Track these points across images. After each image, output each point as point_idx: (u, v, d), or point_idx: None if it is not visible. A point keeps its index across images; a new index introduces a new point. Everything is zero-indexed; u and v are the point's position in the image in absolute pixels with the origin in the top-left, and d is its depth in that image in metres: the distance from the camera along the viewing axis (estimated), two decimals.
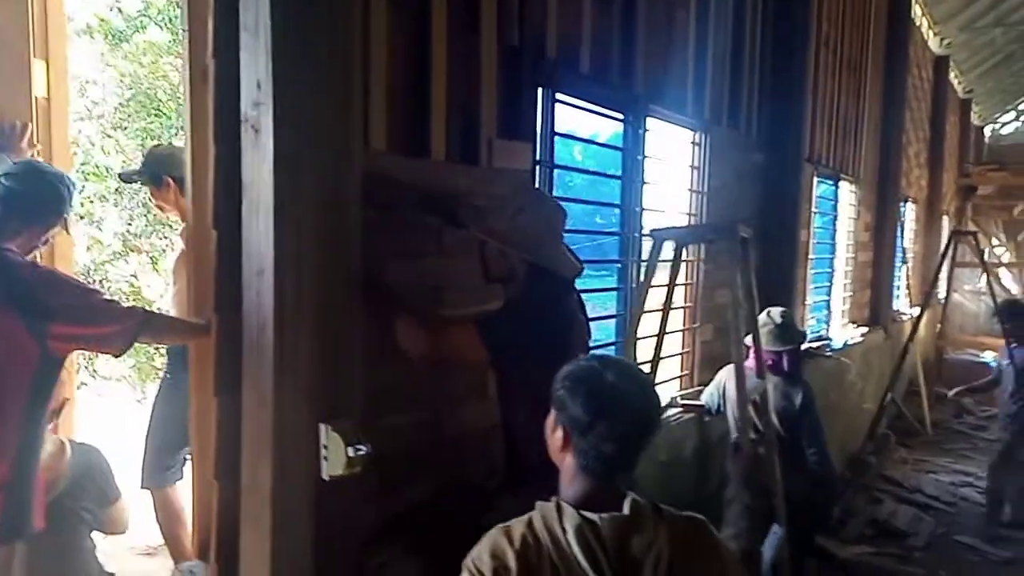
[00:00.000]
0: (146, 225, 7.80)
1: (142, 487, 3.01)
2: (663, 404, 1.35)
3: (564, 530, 1.23)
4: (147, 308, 2.07)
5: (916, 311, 10.24)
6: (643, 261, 3.11)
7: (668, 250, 2.56)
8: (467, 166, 2.44)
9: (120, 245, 8.05)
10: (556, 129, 2.97)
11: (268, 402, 1.71)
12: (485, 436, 2.48)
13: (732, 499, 1.69)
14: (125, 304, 2.05)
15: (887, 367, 8.39)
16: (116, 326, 1.96)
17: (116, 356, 2.09)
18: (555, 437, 1.35)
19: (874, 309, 8.39)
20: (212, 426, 1.89)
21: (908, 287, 9.58)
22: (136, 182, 3.18)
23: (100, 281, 7.97)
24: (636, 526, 1.25)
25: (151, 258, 7.86)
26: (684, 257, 2.76)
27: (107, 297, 2.10)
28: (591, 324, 2.31)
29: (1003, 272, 11.11)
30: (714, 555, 1.33)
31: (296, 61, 1.68)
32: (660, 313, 2.52)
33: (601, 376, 1.31)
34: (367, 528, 2.08)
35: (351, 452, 1.71)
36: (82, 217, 7.97)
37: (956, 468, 7.02)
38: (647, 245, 3.13)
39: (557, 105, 2.94)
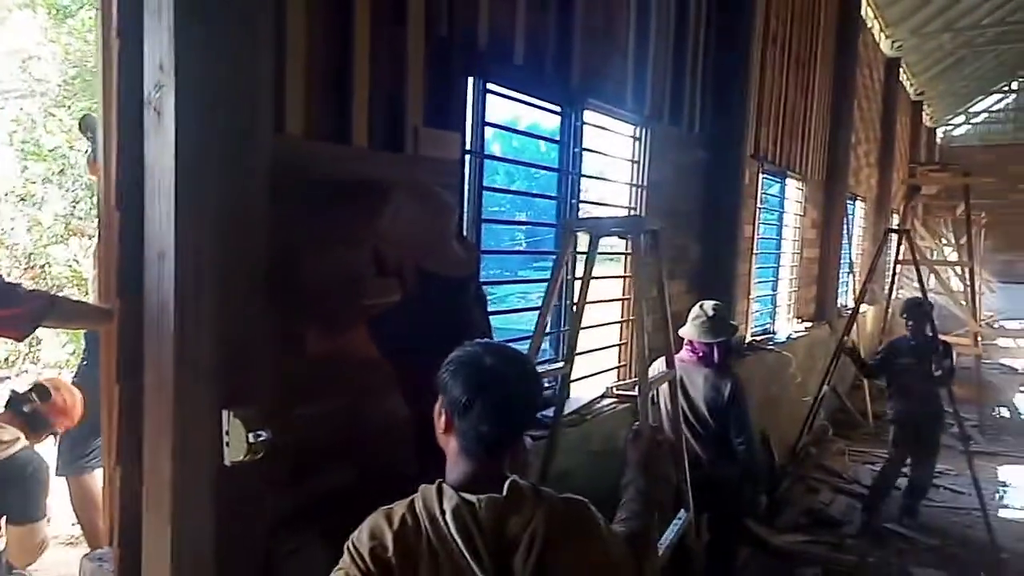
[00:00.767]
0: (91, 208, 7.61)
1: (57, 474, 2.96)
2: (543, 388, 1.39)
3: (443, 511, 1.25)
4: (52, 292, 2.03)
5: (865, 307, 10.52)
6: (579, 253, 3.15)
7: (588, 242, 2.58)
8: (391, 153, 2.44)
9: (62, 228, 7.85)
10: (488, 119, 2.99)
11: (168, 387, 1.70)
12: (407, 423, 2.49)
13: (627, 484, 1.73)
14: (29, 287, 2.01)
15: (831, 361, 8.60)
16: (17, 309, 1.93)
17: (18, 340, 2.05)
18: (440, 421, 1.38)
19: (820, 304, 8.58)
20: (114, 411, 1.87)
21: (855, 283, 9.80)
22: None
23: (41, 265, 7.78)
24: (513, 507, 1.27)
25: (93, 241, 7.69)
26: (603, 248, 2.79)
27: (10, 280, 2.06)
28: (489, 316, 2.28)
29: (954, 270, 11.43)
30: (593, 535, 1.36)
31: (200, 43, 1.66)
32: (576, 306, 2.55)
33: (480, 359, 1.34)
34: (277, 515, 2.08)
35: (252, 438, 1.71)
36: (23, 198, 7.77)
37: None
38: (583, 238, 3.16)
39: (490, 96, 2.95)
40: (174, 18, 1.63)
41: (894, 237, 7.28)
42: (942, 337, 5.59)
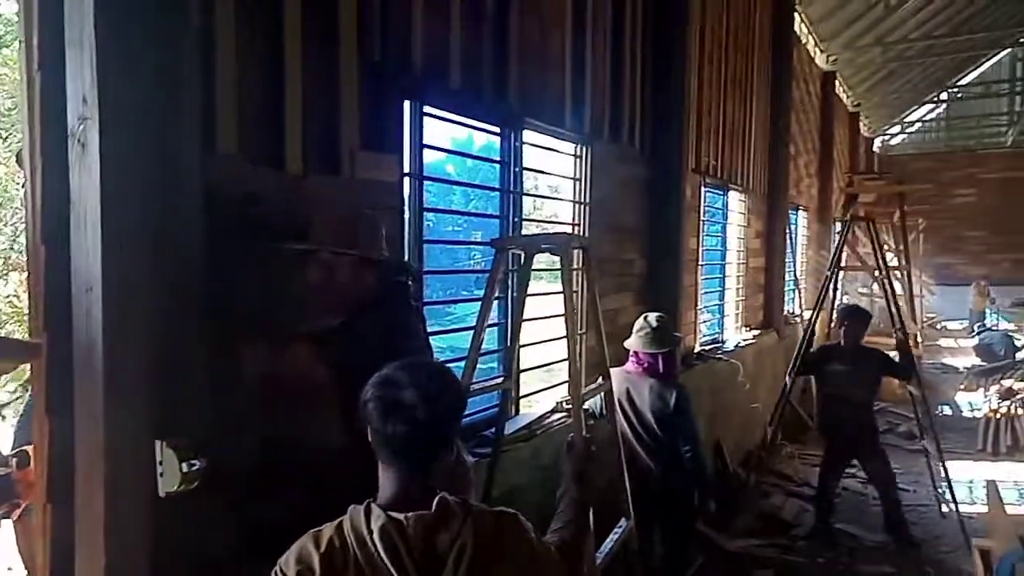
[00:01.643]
0: None
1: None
2: (459, 403, 1.41)
3: (370, 531, 1.27)
4: None
5: (810, 313, 10.80)
6: (514, 270, 3.20)
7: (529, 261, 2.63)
8: (328, 177, 2.47)
9: (1, 263, 7.65)
10: (426, 142, 3.03)
11: (99, 419, 1.69)
12: (353, 449, 2.49)
13: (562, 494, 1.77)
14: None
15: (780, 367, 8.79)
16: None
17: None
18: (371, 435, 1.40)
19: (767, 312, 8.78)
20: (45, 446, 1.84)
21: (800, 291, 10.07)
22: None
23: None
24: (442, 523, 1.30)
25: None
26: (537, 266, 2.85)
27: None
28: (429, 335, 2.34)
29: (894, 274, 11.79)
30: (523, 546, 1.39)
31: (123, 74, 1.67)
32: (513, 323, 2.59)
33: (394, 380, 1.37)
34: (220, 546, 2.06)
35: (186, 467, 1.71)
36: None
37: None
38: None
39: (427, 119, 2.99)
40: (96, 50, 1.64)
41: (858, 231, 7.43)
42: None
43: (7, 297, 7.33)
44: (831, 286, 10.27)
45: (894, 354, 5.77)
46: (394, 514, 1.29)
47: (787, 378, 6.27)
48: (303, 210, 2.29)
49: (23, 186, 2.01)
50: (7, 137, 7.70)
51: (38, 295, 1.91)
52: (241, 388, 2.15)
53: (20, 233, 7.60)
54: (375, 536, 1.26)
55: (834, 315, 10.58)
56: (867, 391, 5.46)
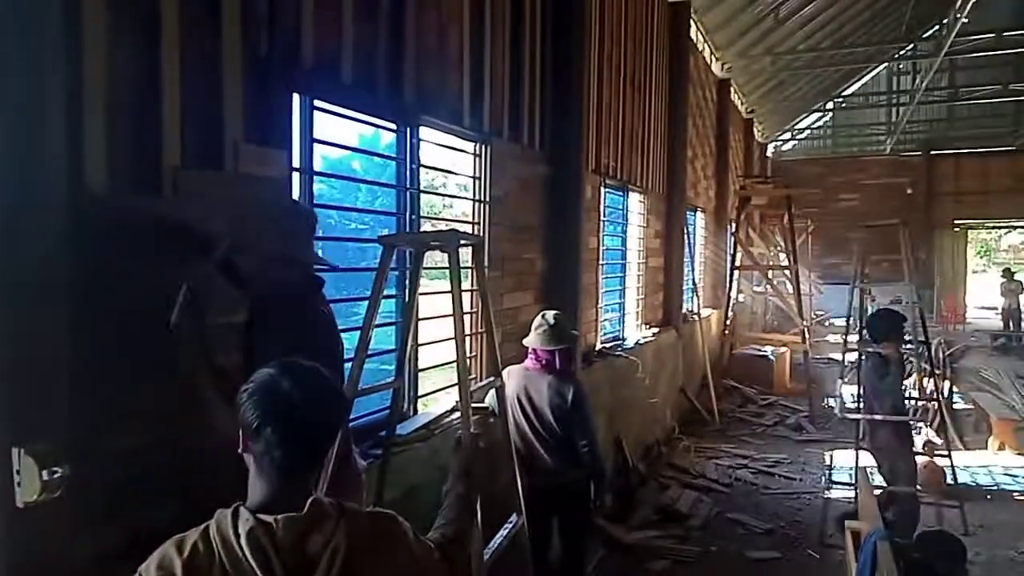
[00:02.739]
0: None
1: None
2: (343, 411, 1.36)
3: (238, 535, 1.22)
4: None
5: (708, 312, 11.25)
6: (404, 268, 3.18)
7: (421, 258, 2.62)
8: (210, 171, 2.38)
9: None
10: (324, 137, 2.97)
11: None
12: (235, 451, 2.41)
13: (448, 491, 1.77)
14: None
15: (679, 364, 9.11)
16: None
17: None
18: (242, 440, 1.34)
19: (666, 310, 9.07)
20: None
21: (698, 290, 10.45)
22: None
23: None
24: (314, 525, 1.26)
25: None
26: (429, 264, 2.85)
27: None
28: (338, 329, 2.32)
29: (784, 274, 12.40)
30: (399, 545, 1.38)
31: None
32: (405, 321, 2.58)
33: (275, 383, 1.31)
34: (86, 558, 1.95)
35: (47, 475, 1.61)
36: None
37: (736, 452, 7.74)
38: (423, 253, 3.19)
39: (319, 114, 2.93)
40: None
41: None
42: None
43: None
44: (729, 285, 10.78)
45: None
46: (263, 516, 1.24)
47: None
48: (181, 202, 2.20)
49: None
50: None
51: None
52: (124, 390, 2.04)
53: None
54: (242, 540, 1.22)
55: (730, 312, 11.10)
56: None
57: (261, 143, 2.58)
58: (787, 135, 22.48)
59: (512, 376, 3.86)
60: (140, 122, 2.17)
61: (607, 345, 6.84)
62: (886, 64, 19.39)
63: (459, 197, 4.44)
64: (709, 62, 11.99)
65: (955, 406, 9.25)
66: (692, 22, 9.55)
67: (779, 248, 13.79)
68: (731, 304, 11.12)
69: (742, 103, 15.68)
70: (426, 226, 3.83)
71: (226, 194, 2.40)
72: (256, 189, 2.52)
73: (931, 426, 7.72)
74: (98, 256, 1.96)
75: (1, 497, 1.61)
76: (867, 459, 5.32)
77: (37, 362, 1.71)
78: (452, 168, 4.24)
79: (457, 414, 3.95)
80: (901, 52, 17.36)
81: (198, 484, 2.30)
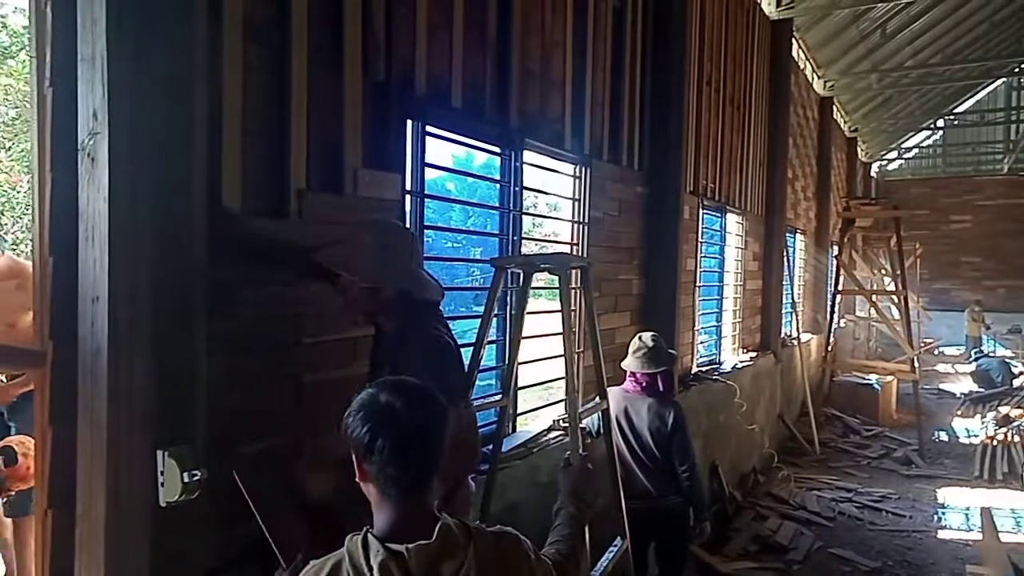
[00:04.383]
0: (33, 250, 7.43)
1: (6, 515, 2.93)
2: (443, 415, 1.34)
3: (370, 567, 1.22)
4: None
5: (808, 337, 10.84)
6: (512, 288, 3.24)
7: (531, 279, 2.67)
8: (330, 195, 2.51)
9: None
10: (432, 161, 3.08)
11: (102, 428, 1.71)
12: (348, 463, 2.51)
13: (558, 510, 1.79)
14: None
15: (777, 390, 8.82)
16: None
17: None
18: (357, 469, 1.34)
19: (764, 334, 8.80)
20: (47, 454, 1.86)
21: (798, 314, 10.10)
22: None
23: None
24: (446, 552, 1.26)
25: None
26: (539, 285, 2.89)
27: None
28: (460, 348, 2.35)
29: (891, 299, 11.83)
30: (523, 566, 1.40)
31: (134, 91, 1.71)
32: (511, 340, 2.62)
33: (375, 400, 1.32)
34: (216, 556, 2.08)
35: (187, 478, 1.73)
36: None
37: (839, 484, 7.40)
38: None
39: (429, 138, 3.04)
40: (108, 67, 1.68)
41: None
42: None
43: None
44: (831, 309, 10.36)
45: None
46: (393, 546, 1.23)
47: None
48: (306, 228, 2.32)
49: (31, 199, 2.04)
50: (9, 147, 7.76)
51: (44, 305, 1.94)
52: (253, 400, 2.17)
53: (21, 241, 7.63)
54: (375, 573, 1.21)
55: (831, 338, 10.67)
56: None
57: (378, 167, 2.70)
58: (893, 154, 21.49)
59: (612, 398, 3.83)
60: (270, 148, 2.31)
61: (703, 369, 6.70)
62: (1004, 79, 18.29)
63: (558, 219, 4.47)
64: (811, 80, 11.66)
65: None
66: (794, 40, 9.33)
67: (884, 272, 13.17)
68: (833, 329, 10.68)
69: (845, 121, 15.13)
70: (526, 247, 3.88)
71: (345, 217, 2.52)
72: (372, 212, 2.63)
73: None
74: (230, 271, 2.09)
75: (147, 496, 1.74)
76: (991, 497, 4.99)
77: (178, 371, 1.84)
78: (552, 190, 4.29)
79: (555, 434, 3.97)
80: (1022, 66, 16.34)
81: (314, 492, 2.42)
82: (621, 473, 3.70)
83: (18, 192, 7.64)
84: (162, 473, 1.74)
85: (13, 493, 2.71)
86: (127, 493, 1.73)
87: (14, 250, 7.63)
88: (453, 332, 2.38)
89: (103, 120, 1.68)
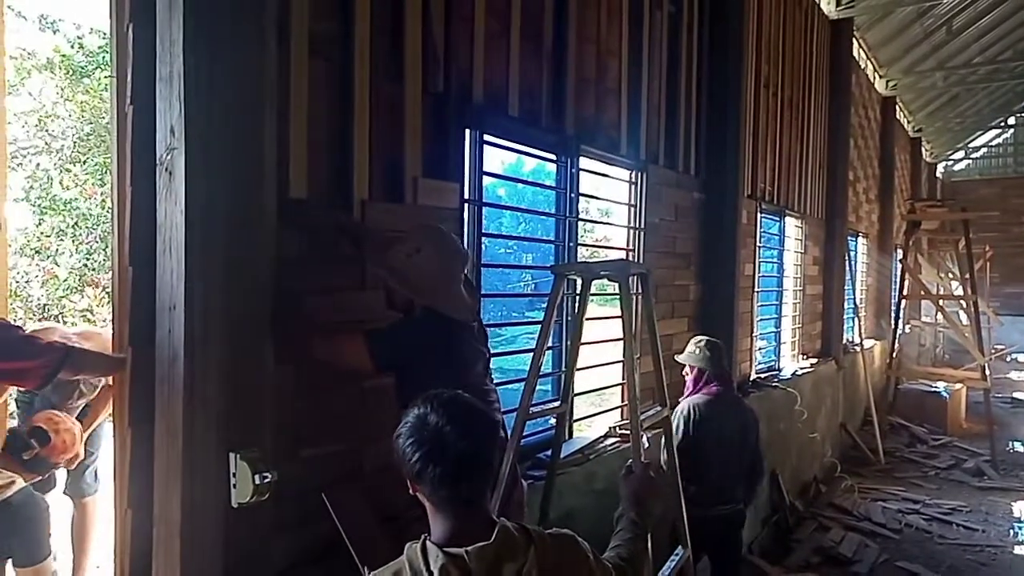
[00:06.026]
0: (104, 259, 7.79)
1: (64, 493, 3.09)
2: (494, 435, 1.33)
3: (430, 573, 1.24)
4: (67, 344, 2.12)
5: (871, 343, 10.53)
6: (573, 295, 3.23)
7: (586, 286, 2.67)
8: (392, 204, 2.56)
9: (76, 279, 8.01)
10: (486, 169, 3.11)
11: (178, 432, 1.78)
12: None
13: (620, 516, 1.79)
14: (44, 341, 2.10)
15: (839, 397, 8.59)
16: (34, 362, 2.02)
17: (36, 390, 2.14)
18: (410, 486, 1.36)
19: (825, 340, 8.58)
20: (127, 456, 1.94)
21: (860, 319, 9.82)
22: None
23: (56, 316, 7.93)
24: (506, 553, 1.27)
25: (107, 292, 7.86)
26: (595, 291, 2.88)
27: (25, 333, 2.16)
28: (490, 358, 2.34)
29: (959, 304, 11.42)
30: (583, 567, 1.41)
31: (208, 109, 1.78)
32: (571, 347, 2.62)
33: (425, 420, 1.32)
34: (283, 557, 2.14)
35: (258, 480, 1.78)
36: (38, 251, 7.95)
37: (905, 495, 7.17)
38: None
39: (487, 147, 3.07)
40: (184, 87, 1.75)
41: None
42: None
43: (82, 311, 7.68)
44: (896, 314, 10.04)
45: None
46: (452, 550, 1.25)
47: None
48: (370, 238, 2.38)
49: (110, 212, 2.15)
50: (85, 161, 8.10)
51: (123, 313, 2.03)
52: (316, 406, 2.23)
53: (95, 251, 7.97)
54: None
55: (896, 344, 10.33)
56: None
57: (437, 176, 2.74)
58: (959, 154, 20.73)
59: (699, 404, 3.68)
60: (334, 159, 2.38)
61: (762, 376, 6.57)
62: None
63: (613, 224, 4.46)
64: (872, 80, 11.35)
65: None
66: (854, 39, 9.10)
67: (951, 276, 12.71)
68: (897, 335, 10.35)
69: (908, 121, 14.67)
70: (580, 251, 3.88)
71: (405, 225, 2.57)
72: (431, 220, 2.68)
73: None
74: (296, 282, 2.16)
75: (220, 498, 1.80)
76: None
77: (248, 376, 1.91)
78: (607, 196, 4.28)
79: (611, 440, 3.95)
80: None
81: (374, 495, 2.47)
82: (693, 480, 3.54)
83: (92, 203, 7.99)
84: (234, 475, 1.80)
85: (61, 466, 2.73)
86: (201, 494, 1.79)
87: (88, 260, 7.97)
88: (490, 342, 2.37)
89: (180, 136, 1.76)
